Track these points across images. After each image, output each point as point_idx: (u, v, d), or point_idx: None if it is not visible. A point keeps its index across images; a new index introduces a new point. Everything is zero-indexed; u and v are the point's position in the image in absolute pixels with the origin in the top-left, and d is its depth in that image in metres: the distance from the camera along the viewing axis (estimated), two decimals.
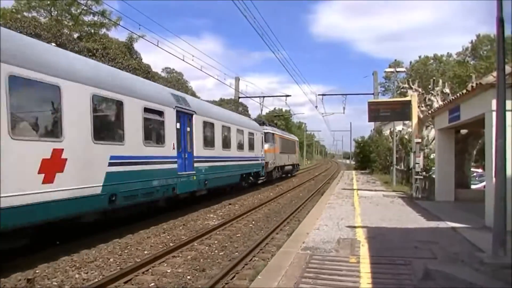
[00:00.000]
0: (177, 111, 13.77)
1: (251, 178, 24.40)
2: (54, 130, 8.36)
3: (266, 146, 28.16)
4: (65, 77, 8.58)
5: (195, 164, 15.18)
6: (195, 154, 15.19)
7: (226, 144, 19.14)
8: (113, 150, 10.15)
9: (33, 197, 7.53)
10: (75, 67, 9.30)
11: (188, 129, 14.82)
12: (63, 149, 8.37)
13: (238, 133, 21.25)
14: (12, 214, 7.05)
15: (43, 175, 7.82)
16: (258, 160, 25.28)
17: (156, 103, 12.50)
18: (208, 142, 16.80)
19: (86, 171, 9.14)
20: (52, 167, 8.07)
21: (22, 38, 8.53)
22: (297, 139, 50.47)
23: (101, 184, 9.61)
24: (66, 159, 8.44)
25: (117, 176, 10.19)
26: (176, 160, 13.55)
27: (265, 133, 28.43)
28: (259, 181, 27.27)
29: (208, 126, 16.75)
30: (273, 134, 31.16)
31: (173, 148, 13.43)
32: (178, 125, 13.87)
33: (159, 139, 12.80)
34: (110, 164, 9.95)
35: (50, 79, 8.16)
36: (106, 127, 10.39)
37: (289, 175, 39.05)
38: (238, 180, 21.43)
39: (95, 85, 9.56)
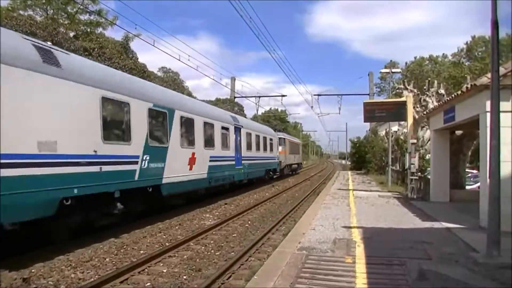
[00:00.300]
0: (234, 127, 21.03)
1: (271, 173, 31.07)
2: (192, 143, 15.46)
3: (279, 148, 34.40)
4: (198, 114, 16.11)
5: (242, 162, 22.14)
6: (242, 155, 22.18)
7: (258, 147, 26.28)
8: (210, 152, 17.26)
9: (186, 177, 14.57)
10: (201, 110, 17.18)
11: (239, 138, 21.88)
12: (195, 152, 15.43)
13: (263, 139, 28.13)
14: (179, 185, 14.04)
15: (189, 166, 14.98)
16: (275, 159, 32.37)
17: (226, 122, 19.81)
18: (249, 146, 23.95)
19: (202, 164, 16.21)
20: (192, 162, 15.16)
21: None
22: (301, 142, 58.76)
23: (206, 172, 16.70)
24: (196, 158, 15.45)
25: (212, 167, 17.29)
26: (234, 158, 20.67)
27: (279, 138, 34.78)
28: (274, 176, 32.89)
29: (248, 135, 24.04)
30: (284, 139, 37.57)
31: (233, 151, 20.59)
32: (234, 136, 20.92)
33: (227, 145, 19.81)
34: (210, 161, 17.09)
35: (191, 116, 15.39)
36: (208, 138, 17.27)
37: (294, 172, 44.51)
38: (263, 174, 28.56)
39: (205, 116, 16.91)
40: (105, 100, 10.01)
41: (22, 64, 7.66)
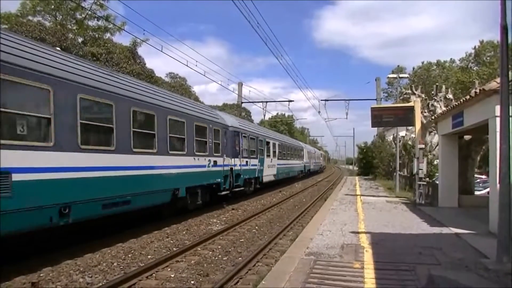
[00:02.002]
0: (314, 151, 64.44)
1: (319, 169, 68.52)
2: (302, 158, 47.25)
3: (321, 158, 75.64)
4: (308, 148, 55.90)
5: (306, 165, 48.71)
6: (316, 161, 62.83)
7: (313, 158, 58.62)
8: (312, 161, 57.29)
9: (312, 168, 57.40)
10: (310, 147, 63.01)
11: (307, 154, 51.43)
12: (304, 164, 47.77)
13: (317, 154, 68.55)
14: (312, 169, 57.50)
15: (307, 167, 51.12)
16: (321, 163, 74.58)
17: (309, 148, 56.60)
18: (316, 158, 62.90)
19: (313, 163, 59.29)
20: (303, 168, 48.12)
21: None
22: (324, 152, 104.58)
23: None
24: (304, 166, 47.83)
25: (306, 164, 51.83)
26: (316, 163, 62.96)
27: (320, 153, 76.91)
28: (319, 171, 67.17)
29: (311, 152, 56.82)
30: (322, 153, 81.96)
31: (314, 159, 61.82)
32: (315, 153, 64.81)
33: (313, 157, 59.81)
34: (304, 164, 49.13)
35: (310, 150, 59.17)
36: (310, 156, 56.09)
37: (323, 170, 78.58)
38: (318, 170, 66.36)
39: (310, 150, 58.40)
40: (307, 150, 52.37)
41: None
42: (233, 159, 18.90)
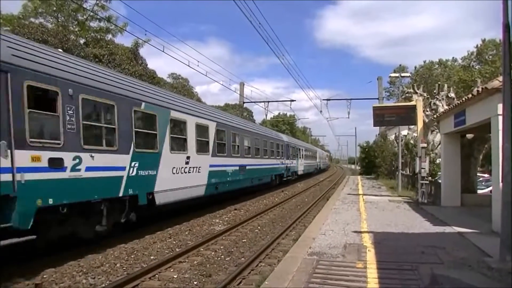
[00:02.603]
0: (318, 153, 64.41)
1: (327, 167, 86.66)
2: (315, 158, 59.89)
3: (326, 159, 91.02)
4: (318, 152, 67.60)
5: (318, 164, 62.70)
6: (319, 162, 65.83)
7: (322, 158, 71.20)
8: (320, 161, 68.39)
9: (322, 166, 72.16)
10: (321, 151, 76.75)
11: (318, 156, 63.96)
12: (317, 163, 62.16)
13: (325, 156, 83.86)
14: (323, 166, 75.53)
15: (318, 165, 65.25)
16: (327, 163, 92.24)
17: (324, 153, 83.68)
18: (321, 158, 68.73)
19: (323, 163, 76.63)
20: (317, 166, 62.68)
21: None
22: (327, 153, 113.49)
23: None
24: (317, 164, 62.21)
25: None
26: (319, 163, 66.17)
27: (326, 154, 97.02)
28: (326, 169, 79.90)
29: (321, 154, 69.31)
30: (328, 154, 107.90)
31: (323, 159, 76.99)
32: (319, 155, 65.71)
33: (322, 157, 74.89)
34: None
35: (318, 152, 70.02)
36: (318, 158, 65.96)
37: (327, 169, 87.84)
38: (326, 168, 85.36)
39: (321, 152, 77.52)
40: (319, 153, 66.99)
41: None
42: (286, 160, 32.61)
